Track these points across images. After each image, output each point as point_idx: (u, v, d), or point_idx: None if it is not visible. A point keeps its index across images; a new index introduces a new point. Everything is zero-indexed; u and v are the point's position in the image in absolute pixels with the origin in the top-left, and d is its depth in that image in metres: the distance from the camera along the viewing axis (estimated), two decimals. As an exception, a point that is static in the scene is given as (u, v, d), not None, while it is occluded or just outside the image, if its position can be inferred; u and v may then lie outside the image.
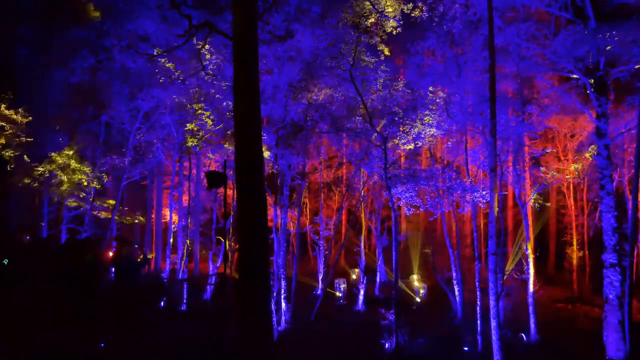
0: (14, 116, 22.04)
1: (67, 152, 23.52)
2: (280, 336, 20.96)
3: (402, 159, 28.89)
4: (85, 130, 24.70)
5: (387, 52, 22.06)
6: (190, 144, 23.50)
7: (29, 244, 19.26)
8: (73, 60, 21.20)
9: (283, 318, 21.88)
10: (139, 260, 16.20)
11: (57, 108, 23.03)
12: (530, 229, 22.46)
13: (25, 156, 22.74)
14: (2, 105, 21.74)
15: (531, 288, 20.95)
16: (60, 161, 23.33)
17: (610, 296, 16.38)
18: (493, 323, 14.68)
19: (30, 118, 22.28)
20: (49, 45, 22.58)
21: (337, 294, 28.52)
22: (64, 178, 23.40)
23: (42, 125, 22.96)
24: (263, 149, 13.13)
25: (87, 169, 24.06)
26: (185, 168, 29.38)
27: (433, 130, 20.67)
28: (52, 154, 23.44)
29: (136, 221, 32.57)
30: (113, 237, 26.76)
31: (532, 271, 21.34)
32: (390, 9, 20.08)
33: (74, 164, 23.53)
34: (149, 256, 28.66)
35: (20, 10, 22.27)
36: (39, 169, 23.32)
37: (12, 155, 22.13)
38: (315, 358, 18.95)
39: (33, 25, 22.08)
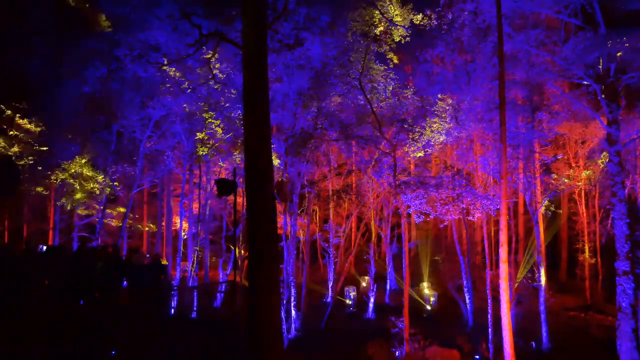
0: (28, 125, 22.44)
1: (80, 161, 23.67)
2: (290, 344, 20.95)
3: (412, 167, 28.85)
4: (97, 139, 24.89)
5: (396, 60, 22.11)
6: (200, 152, 23.62)
7: (40, 252, 19.44)
8: (85, 70, 21.45)
9: (293, 326, 21.87)
10: (147, 262, 16.30)
11: (70, 117, 23.21)
12: (542, 236, 22.31)
13: (39, 168, 22.98)
14: (17, 115, 22.11)
15: (543, 296, 20.78)
16: (72, 170, 23.49)
17: (624, 304, 16.21)
18: (504, 331, 14.58)
19: (44, 127, 22.62)
20: (61, 56, 22.85)
21: (347, 301, 28.46)
22: (77, 186, 23.56)
23: (55, 134, 23.21)
24: (273, 156, 13.20)
25: (99, 177, 24.19)
26: (195, 176, 29.52)
27: (442, 138, 20.65)
28: (65, 162, 23.61)
29: (146, 229, 32.74)
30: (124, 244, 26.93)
31: (543, 279, 21.17)
32: (399, 18, 20.15)
33: (86, 171, 23.65)
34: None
35: (33, 21, 22.60)
36: (52, 178, 23.49)
37: (25, 164, 22.42)
38: (325, 366, 18.95)
39: (46, 37, 22.36)
